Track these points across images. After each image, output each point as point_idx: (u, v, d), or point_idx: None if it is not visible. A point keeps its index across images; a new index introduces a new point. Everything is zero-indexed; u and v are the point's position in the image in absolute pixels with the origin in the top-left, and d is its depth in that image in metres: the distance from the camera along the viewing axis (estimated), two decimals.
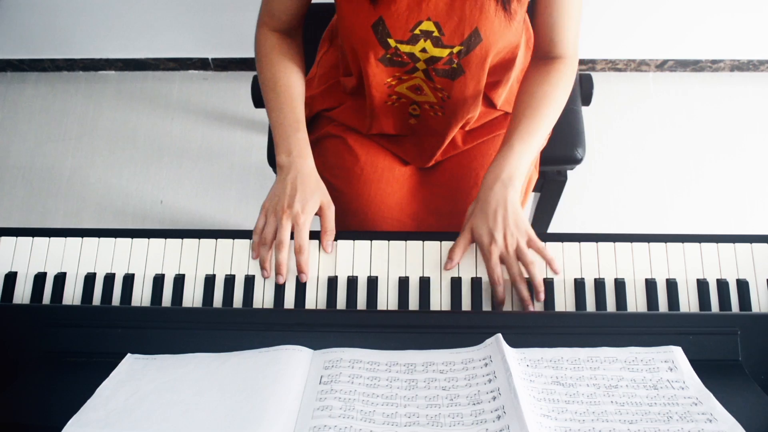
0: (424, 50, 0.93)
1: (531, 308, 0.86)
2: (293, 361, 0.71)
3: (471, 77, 0.96)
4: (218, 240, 0.92)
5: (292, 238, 0.90)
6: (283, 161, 0.94)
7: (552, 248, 0.91)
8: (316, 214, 0.93)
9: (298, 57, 1.04)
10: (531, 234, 0.88)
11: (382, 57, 0.94)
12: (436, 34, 0.91)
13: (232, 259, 0.91)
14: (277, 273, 0.88)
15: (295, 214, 0.89)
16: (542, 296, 0.86)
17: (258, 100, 1.28)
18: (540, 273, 0.87)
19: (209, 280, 0.89)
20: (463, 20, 0.89)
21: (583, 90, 1.31)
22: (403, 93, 1.02)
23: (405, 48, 0.93)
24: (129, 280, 0.89)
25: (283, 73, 1.00)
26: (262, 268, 0.89)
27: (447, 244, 0.91)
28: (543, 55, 1.00)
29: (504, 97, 1.09)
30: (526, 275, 0.87)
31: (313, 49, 1.23)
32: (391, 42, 0.92)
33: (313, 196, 0.92)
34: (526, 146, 0.93)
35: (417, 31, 0.91)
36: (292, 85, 0.99)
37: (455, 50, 0.92)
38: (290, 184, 0.92)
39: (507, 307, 0.88)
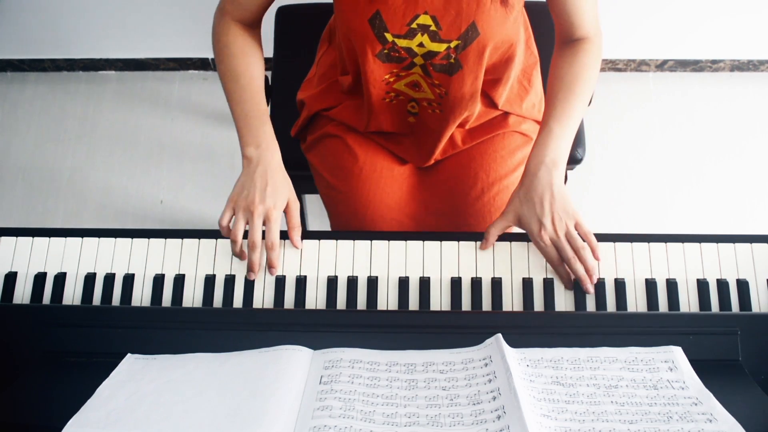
0: (421, 45, 0.93)
1: (589, 290, 0.87)
2: (293, 361, 0.71)
3: (469, 72, 0.96)
4: (218, 240, 0.92)
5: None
6: (251, 153, 0.94)
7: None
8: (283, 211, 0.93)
9: (259, 50, 1.03)
10: (578, 218, 0.89)
11: (379, 53, 0.94)
12: (433, 28, 0.91)
13: (232, 259, 0.91)
14: (250, 270, 0.89)
15: (267, 209, 0.89)
16: (595, 278, 0.87)
17: None
18: (591, 257, 0.88)
19: (209, 280, 0.89)
20: (460, 14, 0.89)
21: None
22: (401, 90, 1.02)
23: (402, 42, 0.93)
24: (129, 280, 0.89)
25: (246, 66, 0.99)
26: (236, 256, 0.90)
27: (447, 244, 0.91)
28: (567, 39, 1.01)
29: (505, 96, 1.09)
30: None
31: (313, 49, 1.23)
32: (388, 36, 0.92)
33: (282, 191, 0.92)
34: (564, 128, 0.94)
35: (414, 25, 0.91)
36: (254, 77, 0.99)
37: (452, 45, 0.92)
38: (260, 178, 0.91)
39: (507, 305, 0.88)
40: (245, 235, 0.90)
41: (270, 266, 0.89)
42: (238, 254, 0.90)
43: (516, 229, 0.94)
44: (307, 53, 1.24)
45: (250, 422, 0.62)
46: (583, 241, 0.88)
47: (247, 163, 0.94)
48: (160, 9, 1.87)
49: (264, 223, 0.89)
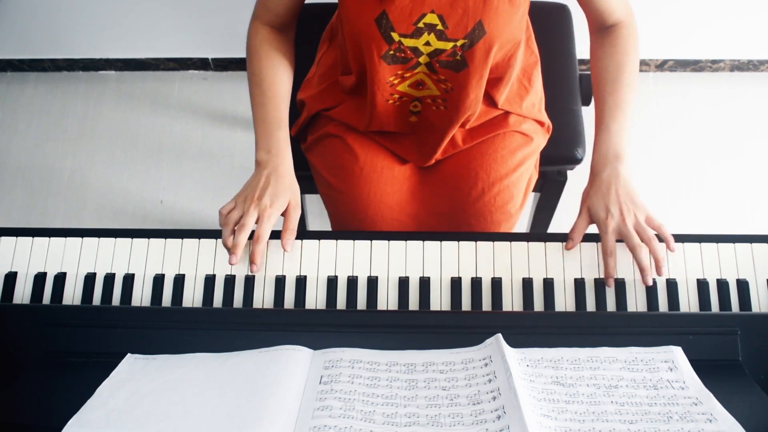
0: (427, 44, 0.93)
1: (648, 281, 0.86)
2: (293, 361, 0.71)
3: (474, 71, 0.96)
4: (218, 240, 0.92)
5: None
6: (261, 158, 0.96)
7: (552, 248, 0.91)
8: (282, 214, 0.93)
9: (289, 54, 1.04)
10: (648, 211, 0.90)
11: (384, 54, 0.94)
12: (439, 27, 0.91)
13: None
14: (231, 253, 0.88)
15: (263, 206, 0.90)
16: (663, 270, 0.87)
17: None
18: (661, 248, 0.87)
19: (209, 280, 0.89)
20: (466, 13, 0.89)
21: (583, 90, 1.31)
22: (404, 92, 1.02)
23: (409, 42, 0.93)
24: (129, 280, 0.89)
25: (271, 69, 1.00)
26: (224, 246, 0.90)
27: (447, 244, 0.91)
28: (600, 26, 1.02)
29: (505, 95, 1.09)
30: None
31: (313, 49, 1.23)
32: (395, 36, 0.92)
33: (284, 194, 0.93)
34: (620, 121, 0.95)
35: (421, 24, 0.91)
36: (278, 82, 1.00)
37: (459, 43, 0.92)
38: (264, 179, 0.93)
39: (507, 305, 0.88)
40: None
41: (251, 261, 0.88)
42: (226, 242, 0.90)
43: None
44: (307, 53, 1.24)
45: (250, 422, 0.62)
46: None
47: (257, 166, 0.96)
48: (160, 9, 1.86)
49: (258, 220, 0.90)
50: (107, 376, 0.71)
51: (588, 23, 1.03)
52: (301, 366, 0.70)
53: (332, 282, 0.89)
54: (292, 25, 1.05)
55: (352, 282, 0.89)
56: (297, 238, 0.91)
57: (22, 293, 0.90)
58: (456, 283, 0.88)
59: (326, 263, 0.90)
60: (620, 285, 0.88)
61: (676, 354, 0.71)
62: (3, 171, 1.96)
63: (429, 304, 0.87)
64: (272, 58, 1.00)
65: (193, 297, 0.89)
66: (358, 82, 1.05)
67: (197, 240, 0.92)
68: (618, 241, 0.89)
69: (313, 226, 1.75)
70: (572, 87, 1.30)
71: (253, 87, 1.00)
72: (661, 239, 0.88)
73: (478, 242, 0.91)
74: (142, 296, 0.89)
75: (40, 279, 0.90)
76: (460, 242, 0.91)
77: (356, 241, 0.91)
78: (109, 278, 0.89)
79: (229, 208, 0.92)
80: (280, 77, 1.00)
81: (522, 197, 1.12)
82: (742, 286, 0.87)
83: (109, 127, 2.01)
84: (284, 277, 0.89)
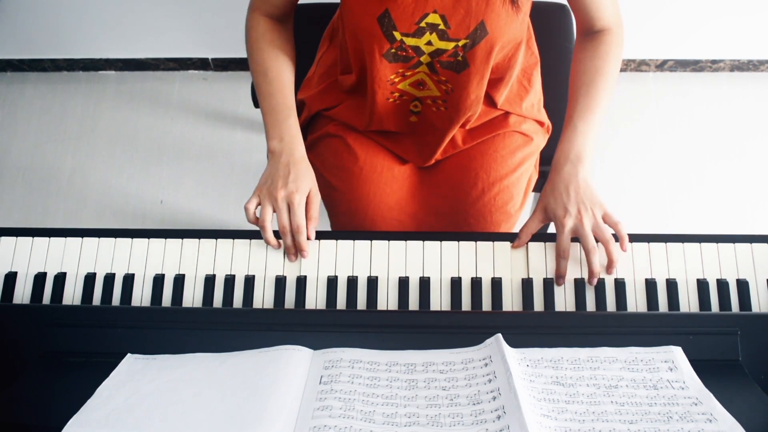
0: (429, 43, 0.93)
1: (593, 283, 0.87)
2: (293, 361, 0.71)
3: (475, 71, 0.97)
4: (218, 240, 0.92)
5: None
6: (275, 147, 0.96)
7: (552, 248, 0.91)
8: None
9: (289, 44, 1.05)
10: (606, 208, 0.90)
11: (386, 52, 0.94)
12: (441, 27, 0.91)
13: (232, 259, 0.91)
14: (289, 254, 0.90)
15: (290, 192, 0.91)
16: (614, 271, 0.87)
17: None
18: (617, 251, 0.88)
19: (209, 280, 0.89)
20: (469, 13, 0.90)
21: None
22: (405, 90, 1.02)
23: (410, 41, 0.93)
24: (129, 280, 0.89)
25: (275, 60, 1.01)
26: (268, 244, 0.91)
27: (447, 244, 0.91)
28: (587, 31, 1.02)
29: (504, 95, 1.09)
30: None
31: (313, 49, 1.23)
32: (397, 35, 0.92)
33: (305, 179, 0.93)
34: (588, 123, 0.95)
35: (423, 24, 0.91)
36: (282, 71, 1.00)
37: (460, 43, 0.93)
38: (283, 168, 0.93)
39: (507, 305, 0.88)
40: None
41: (300, 249, 0.90)
42: (269, 241, 0.91)
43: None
44: (307, 53, 1.24)
45: (250, 422, 0.62)
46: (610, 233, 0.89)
47: (272, 155, 0.96)
48: (160, 9, 1.87)
49: (288, 209, 0.91)
50: (107, 376, 0.71)
51: (576, 25, 1.04)
52: (301, 366, 0.70)
53: (332, 282, 0.89)
54: (291, 16, 1.06)
55: (352, 282, 0.89)
56: None
57: (22, 293, 0.90)
58: (456, 283, 0.88)
59: (326, 263, 0.90)
60: (620, 285, 0.88)
61: (676, 354, 0.71)
62: (3, 171, 1.96)
63: (429, 304, 0.87)
64: (275, 49, 1.01)
65: (193, 297, 0.89)
66: (358, 81, 1.05)
67: (197, 240, 0.92)
68: (574, 240, 0.90)
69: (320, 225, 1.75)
70: None
71: (258, 78, 1.00)
72: (616, 238, 0.89)
73: (478, 242, 0.91)
74: (142, 296, 0.89)
75: (40, 279, 0.90)
76: (460, 242, 0.91)
77: (356, 241, 0.91)
78: (109, 278, 0.89)
79: (254, 204, 0.92)
80: (284, 67, 1.01)
81: (522, 197, 1.12)
82: (742, 286, 0.87)
83: (109, 127, 2.01)
84: (284, 277, 0.89)
